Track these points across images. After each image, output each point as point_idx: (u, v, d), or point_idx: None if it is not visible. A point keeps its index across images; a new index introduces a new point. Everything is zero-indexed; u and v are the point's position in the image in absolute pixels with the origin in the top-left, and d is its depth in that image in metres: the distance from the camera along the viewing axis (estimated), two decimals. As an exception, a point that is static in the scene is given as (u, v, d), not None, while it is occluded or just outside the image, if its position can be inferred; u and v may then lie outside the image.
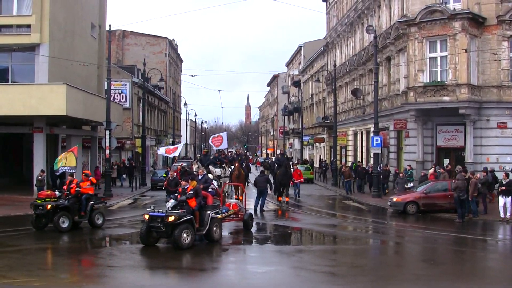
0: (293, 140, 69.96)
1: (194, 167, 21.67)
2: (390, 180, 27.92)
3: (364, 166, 31.58)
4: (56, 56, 24.79)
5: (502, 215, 18.62)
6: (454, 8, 25.07)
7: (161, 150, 30.23)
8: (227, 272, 11.54)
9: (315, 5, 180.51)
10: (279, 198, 23.93)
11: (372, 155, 29.42)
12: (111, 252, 13.52)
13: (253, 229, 16.41)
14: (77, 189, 16.19)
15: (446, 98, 24.72)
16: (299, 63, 66.61)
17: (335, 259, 13.07)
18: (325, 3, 51.87)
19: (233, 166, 23.88)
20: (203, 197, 14.05)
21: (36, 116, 23.35)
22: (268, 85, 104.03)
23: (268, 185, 21.70)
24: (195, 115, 77.02)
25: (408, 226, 18.52)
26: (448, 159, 26.28)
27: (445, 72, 25.09)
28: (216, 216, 14.12)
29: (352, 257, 13.10)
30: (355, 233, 17.55)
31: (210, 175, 20.63)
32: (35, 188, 22.24)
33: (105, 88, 29.75)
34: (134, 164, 36.28)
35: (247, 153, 79.58)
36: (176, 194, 13.93)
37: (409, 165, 26.37)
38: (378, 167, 26.65)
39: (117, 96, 42.87)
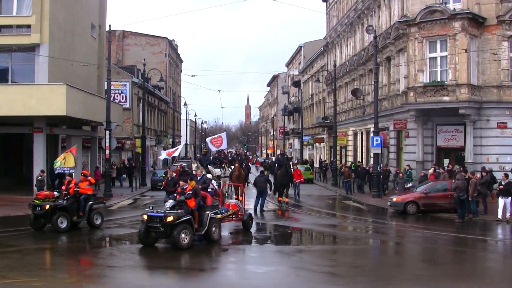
0: (293, 140, 69.97)
1: (194, 166, 21.65)
2: (390, 180, 27.92)
3: (364, 166, 31.57)
4: (56, 57, 24.79)
5: (500, 216, 18.58)
6: (454, 8, 25.07)
7: (163, 155, 30.30)
8: (227, 272, 11.54)
9: (315, 5, 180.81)
10: (279, 199, 23.94)
11: (372, 155, 29.42)
12: (111, 252, 13.52)
13: (253, 229, 16.41)
14: (75, 189, 16.18)
15: (446, 98, 24.72)
16: (299, 63, 66.61)
17: (335, 259, 13.07)
18: (325, 3, 51.87)
19: (233, 167, 23.87)
20: (202, 197, 14.06)
21: (36, 116, 23.35)
22: (268, 85, 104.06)
23: (268, 184, 21.69)
24: (195, 115, 77.24)
25: (408, 226, 18.51)
26: (448, 159, 26.28)
27: (445, 72, 25.09)
28: (215, 216, 14.12)
29: (352, 257, 13.11)
30: (355, 233, 17.55)
31: (209, 175, 20.62)
32: (35, 188, 22.23)
33: (105, 88, 29.74)
34: (134, 164, 36.28)
35: (247, 153, 79.57)
36: (175, 194, 13.94)
37: (408, 165, 26.36)
38: (378, 167, 26.65)
39: (117, 96, 42.88)
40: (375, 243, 16.22)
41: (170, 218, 12.66)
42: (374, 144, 26.49)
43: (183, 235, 12.74)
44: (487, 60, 25.04)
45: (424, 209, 20.62)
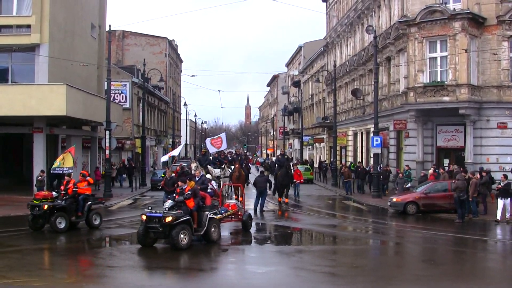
0: (293, 140, 69.96)
1: (193, 165, 21.61)
2: (390, 181, 27.91)
3: (365, 166, 31.56)
4: (56, 57, 24.78)
5: (499, 217, 18.54)
6: (454, 8, 25.07)
7: (164, 158, 30.30)
8: (227, 272, 11.53)
9: (315, 5, 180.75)
10: (279, 199, 23.93)
11: (372, 155, 29.41)
12: (111, 252, 13.52)
13: (253, 229, 16.40)
14: (74, 189, 16.17)
15: (446, 98, 24.72)
16: (299, 63, 66.62)
17: (335, 259, 13.06)
18: (325, 3, 51.87)
19: (233, 167, 23.84)
20: (201, 198, 14.04)
21: (36, 117, 23.35)
22: (268, 85, 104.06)
23: (268, 184, 21.67)
24: (195, 115, 77.26)
25: (408, 227, 18.50)
26: (448, 160, 26.29)
27: (445, 72, 25.09)
28: (214, 216, 14.09)
29: (352, 258, 13.10)
30: (355, 234, 17.54)
31: (208, 176, 20.57)
32: (35, 188, 22.21)
33: (105, 88, 29.75)
34: (133, 165, 36.29)
35: (247, 153, 79.55)
36: (174, 195, 13.92)
37: (407, 165, 26.36)
38: (378, 168, 26.64)
39: (117, 96, 42.89)
40: (375, 243, 16.21)
41: (168, 219, 12.64)
42: (374, 144, 26.49)
43: (182, 236, 12.72)
44: (487, 60, 25.04)
45: (424, 210, 20.61)
